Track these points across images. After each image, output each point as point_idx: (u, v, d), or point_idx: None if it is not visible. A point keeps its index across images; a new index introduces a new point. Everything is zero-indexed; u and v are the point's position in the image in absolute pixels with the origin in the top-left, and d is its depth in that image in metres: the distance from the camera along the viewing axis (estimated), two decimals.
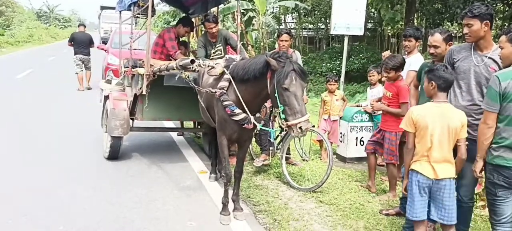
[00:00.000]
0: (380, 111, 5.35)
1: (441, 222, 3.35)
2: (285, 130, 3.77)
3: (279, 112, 3.68)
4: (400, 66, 4.97)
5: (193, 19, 7.15)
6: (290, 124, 3.58)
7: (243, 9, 16.01)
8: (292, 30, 10.58)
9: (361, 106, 6.65)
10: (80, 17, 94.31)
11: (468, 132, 3.34)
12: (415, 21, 15.53)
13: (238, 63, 4.22)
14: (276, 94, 3.64)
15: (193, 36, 9.43)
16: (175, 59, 5.45)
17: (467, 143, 3.28)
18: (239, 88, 4.02)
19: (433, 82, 3.31)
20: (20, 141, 6.91)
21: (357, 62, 17.68)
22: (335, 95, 6.59)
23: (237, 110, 4.03)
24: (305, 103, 6.02)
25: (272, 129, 5.45)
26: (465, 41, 3.58)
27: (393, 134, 4.96)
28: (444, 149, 3.25)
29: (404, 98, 4.89)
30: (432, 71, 3.33)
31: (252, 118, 4.03)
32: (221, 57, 5.56)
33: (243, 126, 4.09)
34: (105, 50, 12.94)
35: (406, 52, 5.23)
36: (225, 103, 4.07)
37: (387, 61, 5.04)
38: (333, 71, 15.64)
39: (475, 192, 3.82)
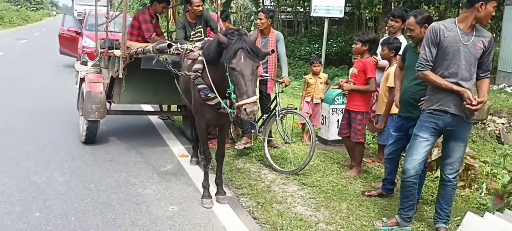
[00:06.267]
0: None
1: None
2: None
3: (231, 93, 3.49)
4: (372, 42, 5.00)
5: None
6: (236, 105, 3.40)
7: None
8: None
9: (340, 81, 6.64)
10: None
11: (455, 109, 3.42)
12: (393, 4, 15.54)
13: (208, 44, 4.03)
14: (227, 73, 3.49)
15: (170, 18, 9.22)
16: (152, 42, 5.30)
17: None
18: (210, 71, 3.83)
19: (393, 51, 4.92)
20: None
21: (335, 45, 17.67)
22: (320, 77, 6.54)
23: (211, 95, 3.86)
24: (287, 86, 5.99)
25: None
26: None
27: (359, 114, 5.01)
28: None
29: (371, 74, 4.95)
30: (392, 43, 4.93)
31: (222, 102, 3.81)
32: (200, 40, 5.42)
33: (219, 110, 3.95)
34: (76, 32, 13.25)
35: (390, 33, 5.24)
36: (199, 86, 3.92)
37: (361, 33, 5.15)
38: (312, 55, 15.61)
39: None
